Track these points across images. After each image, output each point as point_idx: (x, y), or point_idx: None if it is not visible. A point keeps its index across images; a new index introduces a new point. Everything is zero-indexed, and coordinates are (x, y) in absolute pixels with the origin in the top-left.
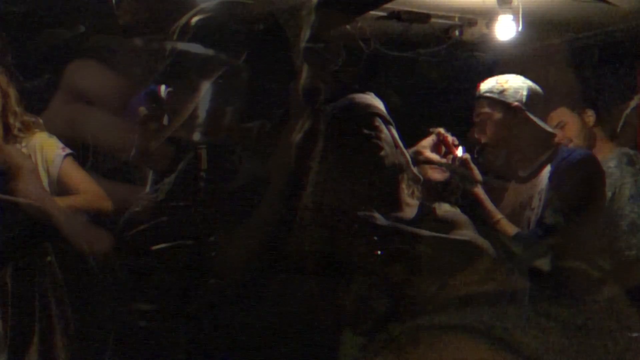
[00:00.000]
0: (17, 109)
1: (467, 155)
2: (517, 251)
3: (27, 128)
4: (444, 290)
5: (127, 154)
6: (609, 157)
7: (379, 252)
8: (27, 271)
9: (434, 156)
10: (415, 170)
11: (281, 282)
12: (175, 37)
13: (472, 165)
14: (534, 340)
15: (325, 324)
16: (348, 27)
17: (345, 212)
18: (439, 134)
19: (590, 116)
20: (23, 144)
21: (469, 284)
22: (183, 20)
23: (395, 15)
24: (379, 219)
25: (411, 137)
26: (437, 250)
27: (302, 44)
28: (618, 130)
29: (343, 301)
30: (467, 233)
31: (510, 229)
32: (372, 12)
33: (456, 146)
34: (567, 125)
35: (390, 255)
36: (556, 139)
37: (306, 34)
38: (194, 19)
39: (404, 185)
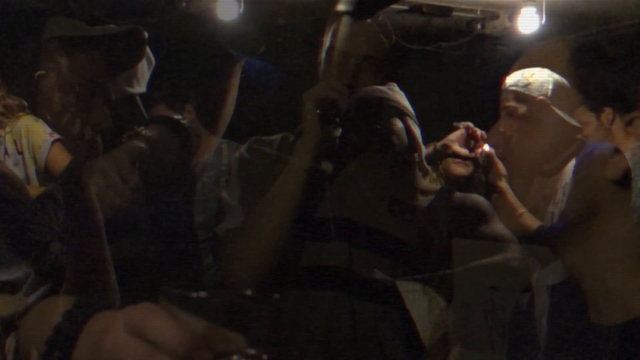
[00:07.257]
0: None
1: (492, 150)
2: None
3: (10, 112)
4: None
5: None
6: (626, 150)
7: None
8: None
9: (463, 150)
10: (425, 162)
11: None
12: None
13: (497, 160)
14: None
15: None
16: (369, 20)
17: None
18: (467, 128)
19: (609, 114)
20: (7, 129)
21: None
22: None
23: (417, 9)
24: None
25: (433, 132)
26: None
27: (322, 54)
28: None
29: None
30: (496, 228)
31: (533, 222)
32: (394, 6)
33: (485, 140)
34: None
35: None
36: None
37: (327, 43)
38: None
39: (418, 175)
